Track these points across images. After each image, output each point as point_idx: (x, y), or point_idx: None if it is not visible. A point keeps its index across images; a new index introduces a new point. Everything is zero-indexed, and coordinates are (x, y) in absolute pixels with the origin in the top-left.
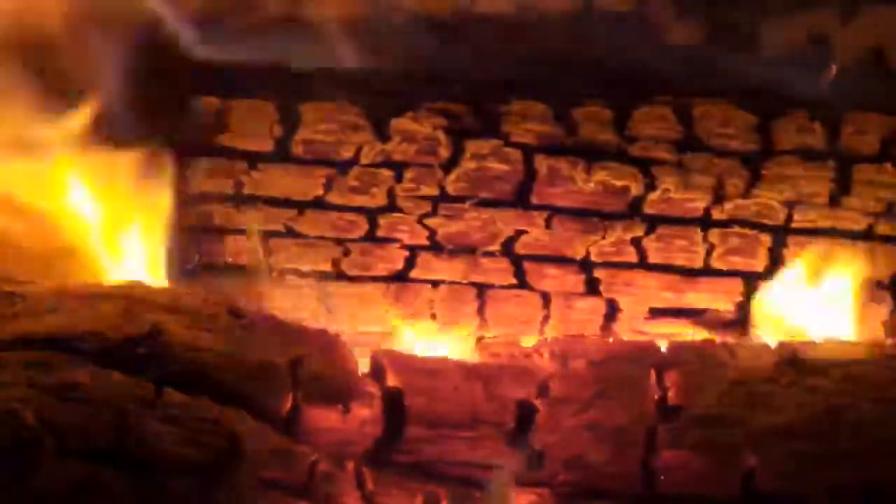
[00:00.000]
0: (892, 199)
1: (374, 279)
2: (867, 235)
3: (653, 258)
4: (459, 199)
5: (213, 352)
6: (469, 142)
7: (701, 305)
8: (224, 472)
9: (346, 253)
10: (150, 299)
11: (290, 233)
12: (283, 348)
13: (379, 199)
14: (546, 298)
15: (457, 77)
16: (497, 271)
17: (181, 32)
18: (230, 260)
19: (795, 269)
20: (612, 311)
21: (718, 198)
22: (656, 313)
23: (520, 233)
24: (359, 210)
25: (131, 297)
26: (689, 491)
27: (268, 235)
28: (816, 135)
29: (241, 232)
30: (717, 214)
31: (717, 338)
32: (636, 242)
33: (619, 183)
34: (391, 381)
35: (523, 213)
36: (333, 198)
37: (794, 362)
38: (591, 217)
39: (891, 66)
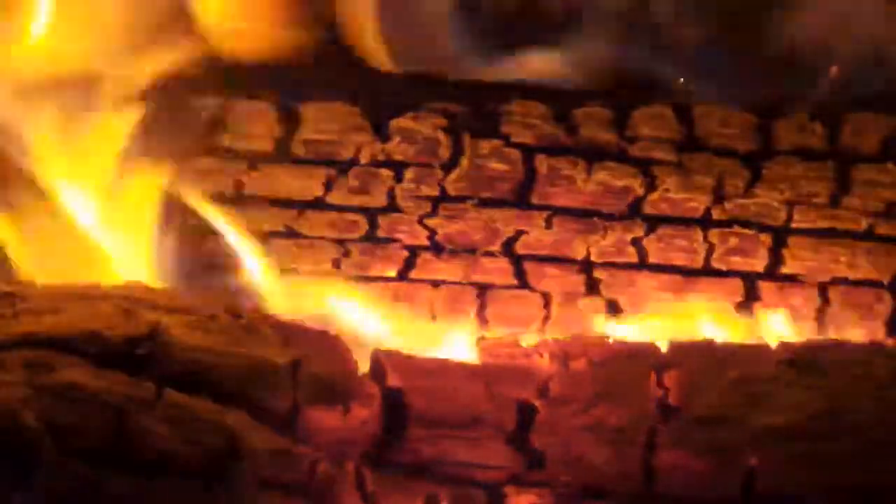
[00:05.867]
0: (892, 199)
1: (374, 279)
2: (867, 235)
3: (653, 258)
4: (459, 199)
5: (213, 352)
6: (469, 142)
7: (701, 305)
8: (224, 472)
9: (346, 253)
10: (149, 299)
11: (291, 233)
12: (283, 348)
13: (379, 199)
14: (546, 298)
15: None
16: (497, 271)
17: None
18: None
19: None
20: (612, 311)
21: (718, 198)
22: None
23: (520, 233)
24: (359, 210)
25: (131, 297)
26: (689, 491)
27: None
28: (816, 135)
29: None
30: (717, 214)
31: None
32: (636, 242)
33: (619, 183)
34: (391, 381)
35: (523, 213)
36: (333, 198)
37: (794, 362)
38: (591, 217)
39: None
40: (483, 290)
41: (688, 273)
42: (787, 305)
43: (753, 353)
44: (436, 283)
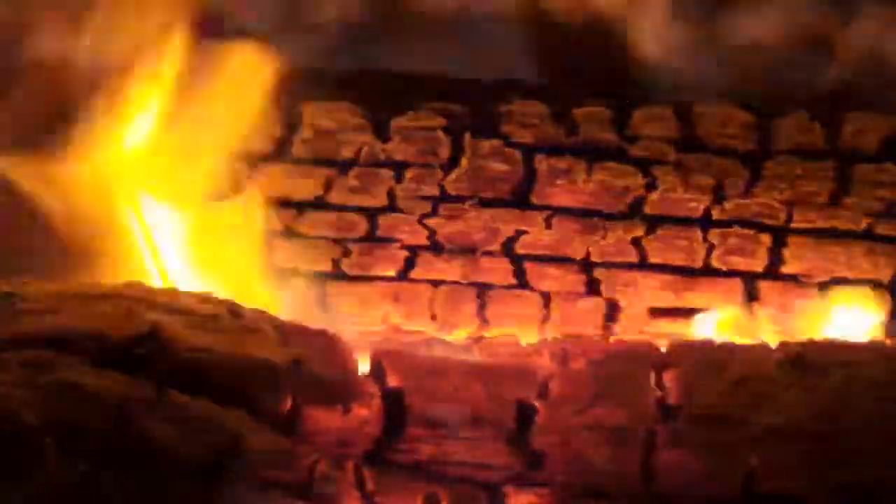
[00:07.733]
0: (892, 199)
1: (374, 279)
2: (867, 235)
3: (653, 258)
4: (459, 199)
5: (213, 352)
6: (469, 142)
7: (701, 305)
8: (224, 472)
9: (346, 253)
10: (150, 299)
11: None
12: (283, 348)
13: (379, 199)
14: (546, 298)
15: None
16: (497, 271)
17: None
18: None
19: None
20: (612, 311)
21: (718, 198)
22: (656, 313)
23: (520, 233)
24: (359, 210)
25: (131, 297)
26: (689, 491)
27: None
28: (816, 135)
29: None
30: (717, 214)
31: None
32: (636, 242)
33: (619, 183)
34: (391, 381)
35: (523, 213)
36: (333, 198)
37: (795, 362)
38: (591, 217)
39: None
40: (483, 290)
41: (688, 273)
42: (786, 305)
43: (753, 353)
44: (436, 283)
